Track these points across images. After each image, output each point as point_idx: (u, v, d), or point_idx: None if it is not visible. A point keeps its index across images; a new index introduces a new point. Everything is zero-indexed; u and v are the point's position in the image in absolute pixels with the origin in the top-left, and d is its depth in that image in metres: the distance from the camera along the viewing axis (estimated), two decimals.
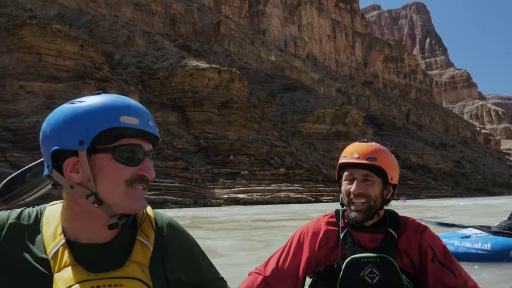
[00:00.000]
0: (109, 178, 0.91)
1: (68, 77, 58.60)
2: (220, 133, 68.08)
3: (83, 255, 0.95)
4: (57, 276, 0.91)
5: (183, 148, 62.39)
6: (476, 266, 5.60)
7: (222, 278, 1.16)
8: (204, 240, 10.01)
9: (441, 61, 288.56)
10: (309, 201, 54.06)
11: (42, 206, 1.04)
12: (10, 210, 1.02)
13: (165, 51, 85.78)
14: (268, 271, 1.62)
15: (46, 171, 0.93)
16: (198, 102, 70.43)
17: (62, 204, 0.99)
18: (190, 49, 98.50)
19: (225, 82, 76.22)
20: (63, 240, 0.95)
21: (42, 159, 1.04)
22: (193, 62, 78.10)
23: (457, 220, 9.78)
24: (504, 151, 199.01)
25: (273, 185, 58.23)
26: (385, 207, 1.64)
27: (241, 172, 59.02)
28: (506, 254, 5.72)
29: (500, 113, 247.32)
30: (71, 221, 0.96)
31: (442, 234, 6.19)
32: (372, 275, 1.49)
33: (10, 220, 0.98)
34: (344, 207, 1.64)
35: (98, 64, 62.91)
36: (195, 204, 47.10)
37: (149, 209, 1.08)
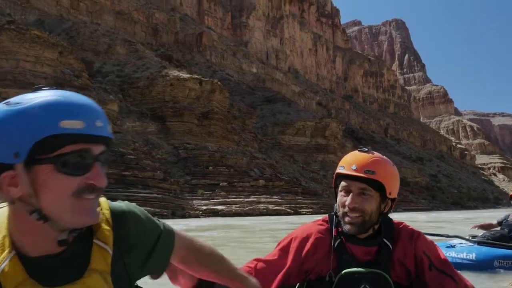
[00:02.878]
0: (53, 191, 0.80)
1: (46, 84, 56.66)
2: (200, 144, 67.76)
3: (36, 268, 0.86)
4: None
5: (162, 159, 61.80)
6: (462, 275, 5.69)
7: (164, 230, 1.09)
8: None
9: (419, 77, 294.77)
10: (288, 213, 54.07)
11: None
12: None
13: (146, 60, 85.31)
14: (257, 265, 1.56)
15: None
16: (178, 112, 70.07)
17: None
18: (171, 59, 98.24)
19: (206, 93, 76.12)
20: (13, 253, 0.85)
21: None
22: (174, 72, 77.84)
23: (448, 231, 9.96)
24: (478, 166, 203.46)
25: (252, 196, 58.09)
26: None
27: (220, 184, 58.73)
28: (490, 264, 5.82)
29: (475, 129, 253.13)
30: (17, 235, 0.86)
31: None
32: None
33: None
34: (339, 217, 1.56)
35: (77, 71, 62.17)
36: (173, 215, 46.58)
37: (104, 202, 1.01)
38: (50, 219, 0.81)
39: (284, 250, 1.57)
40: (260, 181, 61.90)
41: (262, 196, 58.67)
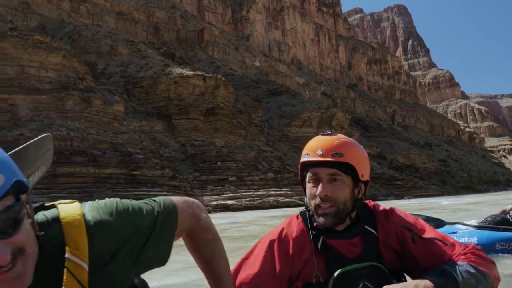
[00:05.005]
0: None
1: (51, 89, 57.99)
2: (207, 140, 67.90)
3: None
4: None
5: (170, 156, 62.05)
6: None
7: (157, 218, 1.02)
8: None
9: (423, 62, 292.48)
10: (298, 205, 54.14)
11: None
12: None
13: (149, 60, 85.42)
14: (239, 282, 1.37)
15: None
16: (183, 109, 70.21)
17: None
18: (174, 56, 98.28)
19: (210, 89, 76.14)
20: None
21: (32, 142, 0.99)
22: (178, 70, 77.92)
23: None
24: (488, 148, 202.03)
25: (262, 190, 58.20)
26: None
27: (229, 178, 58.87)
28: (492, 247, 5.83)
29: (483, 111, 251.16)
30: None
31: None
32: None
33: None
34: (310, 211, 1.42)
35: (82, 74, 62.41)
36: None
37: (76, 210, 0.91)
38: None
39: (266, 256, 1.38)
40: (269, 174, 61.95)
41: (271, 189, 58.76)
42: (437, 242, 1.32)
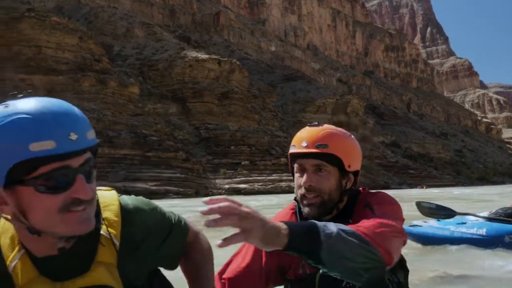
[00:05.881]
0: (38, 211, 0.80)
1: (68, 70, 58.52)
2: (221, 123, 68.08)
3: (45, 265, 0.88)
4: None
5: (184, 139, 62.44)
6: (468, 249, 5.75)
7: (175, 223, 1.10)
8: None
9: (442, 50, 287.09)
10: None
11: None
12: None
13: (165, 43, 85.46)
14: (230, 274, 1.40)
15: None
16: (198, 93, 70.34)
17: None
18: (189, 40, 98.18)
19: (225, 73, 76.03)
20: (23, 251, 0.88)
21: None
22: (193, 53, 77.85)
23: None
24: (505, 140, 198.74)
25: (274, 175, 58.34)
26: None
27: (242, 163, 59.10)
28: (500, 240, 5.77)
29: (501, 102, 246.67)
30: (21, 240, 0.89)
31: (441, 221, 6.39)
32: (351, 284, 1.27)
33: None
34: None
35: (98, 56, 62.76)
36: (197, 194, 47.27)
37: (113, 196, 1.01)
38: (43, 233, 0.83)
39: (256, 249, 1.38)
40: (282, 159, 61.96)
41: (284, 174, 58.84)
42: (368, 211, 1.27)
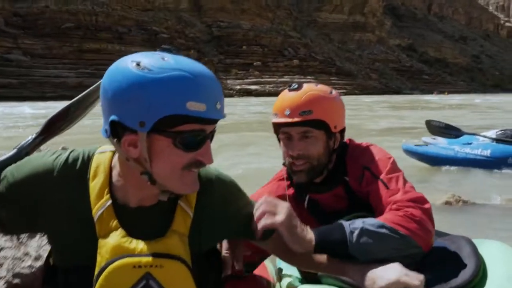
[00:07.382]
0: (166, 162, 0.86)
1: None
2: (234, 21, 66.10)
3: (128, 217, 0.92)
4: (101, 243, 0.89)
5: (195, 37, 61.28)
6: (471, 170, 5.83)
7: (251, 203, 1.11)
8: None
9: None
10: None
11: (90, 150, 0.98)
12: (53, 154, 0.97)
13: None
14: None
15: (104, 133, 0.87)
16: None
17: (111, 155, 0.96)
18: None
19: None
20: (110, 201, 0.92)
21: (84, 94, 1.09)
22: None
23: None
24: None
25: (286, 76, 58.10)
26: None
27: (254, 63, 58.57)
28: (504, 161, 5.80)
29: None
30: (121, 184, 0.93)
31: (446, 140, 6.43)
32: None
33: (57, 169, 0.94)
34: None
35: None
36: None
37: None
38: (157, 183, 0.88)
39: None
40: (294, 61, 61.23)
41: (295, 76, 58.59)
42: (380, 184, 1.23)
